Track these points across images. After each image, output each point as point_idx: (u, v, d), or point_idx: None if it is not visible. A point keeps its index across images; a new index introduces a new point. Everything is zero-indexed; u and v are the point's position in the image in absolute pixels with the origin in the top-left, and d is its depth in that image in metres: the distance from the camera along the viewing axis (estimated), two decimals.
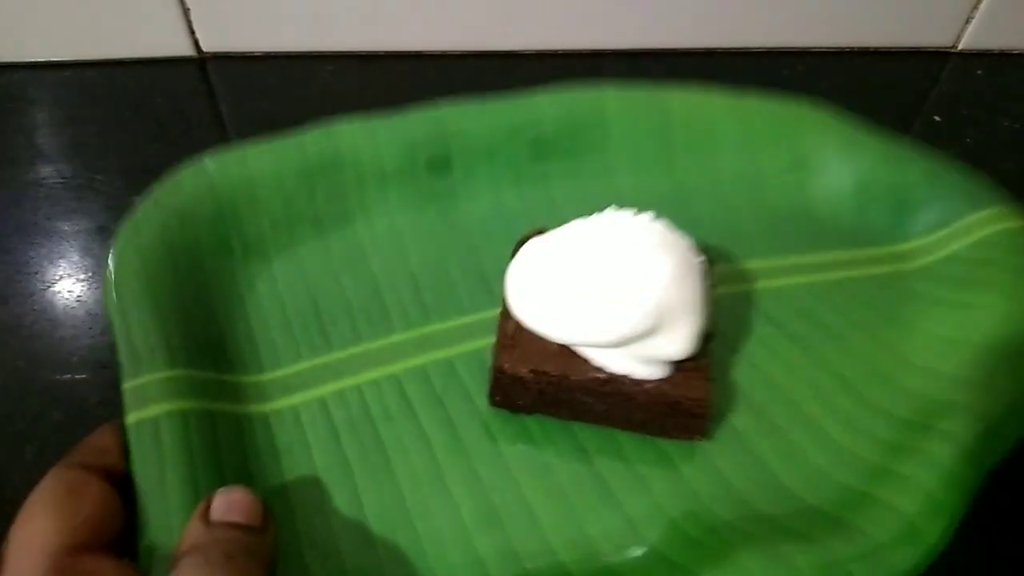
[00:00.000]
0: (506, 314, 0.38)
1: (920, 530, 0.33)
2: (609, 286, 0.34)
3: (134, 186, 0.42)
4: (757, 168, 0.48)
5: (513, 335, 0.37)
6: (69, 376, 0.39)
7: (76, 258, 0.41)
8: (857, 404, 0.39)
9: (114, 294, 0.37)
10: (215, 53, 0.56)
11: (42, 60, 0.49)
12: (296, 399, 0.38)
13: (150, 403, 0.34)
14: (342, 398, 0.38)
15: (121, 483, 0.32)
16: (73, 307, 0.40)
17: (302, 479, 0.36)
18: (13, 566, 0.28)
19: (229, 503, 0.30)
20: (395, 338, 0.41)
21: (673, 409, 0.36)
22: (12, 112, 0.48)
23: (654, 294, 0.34)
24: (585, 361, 0.36)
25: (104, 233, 0.43)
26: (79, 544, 0.28)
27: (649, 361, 0.36)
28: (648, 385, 0.36)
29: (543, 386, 0.37)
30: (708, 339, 0.38)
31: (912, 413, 0.39)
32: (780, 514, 0.35)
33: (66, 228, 0.42)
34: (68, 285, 0.41)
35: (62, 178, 0.44)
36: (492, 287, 0.43)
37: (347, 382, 0.39)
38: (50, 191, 0.43)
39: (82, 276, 0.41)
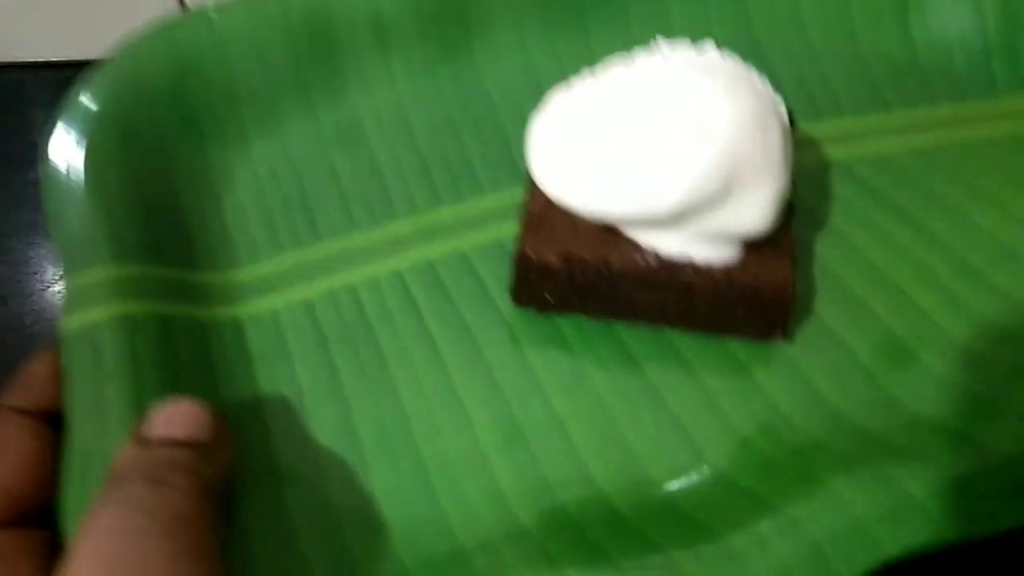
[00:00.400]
0: (532, 188, 0.30)
1: None
2: (660, 140, 0.26)
3: None
4: (848, 5, 0.39)
5: (540, 214, 0.29)
6: None
7: None
8: (982, 292, 0.31)
9: (50, 177, 0.31)
10: None
11: (42, 60, 0.49)
12: (277, 300, 0.31)
13: (89, 306, 0.28)
14: (333, 299, 0.31)
15: (59, 422, 0.26)
16: None
17: (281, 396, 0.29)
18: None
19: (168, 416, 0.24)
20: (398, 226, 0.33)
21: (748, 299, 0.28)
22: (12, 112, 0.48)
23: (720, 146, 0.26)
24: (632, 243, 0.29)
25: None
26: None
27: (715, 239, 0.28)
28: (714, 271, 0.28)
29: (578, 276, 0.29)
30: (790, 212, 0.29)
31: None
32: (882, 428, 0.28)
33: None
34: None
35: None
36: (517, 162, 0.35)
37: (339, 279, 0.32)
38: None
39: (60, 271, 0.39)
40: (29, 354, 0.38)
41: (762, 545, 0.24)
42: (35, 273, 0.40)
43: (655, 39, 0.30)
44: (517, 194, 0.33)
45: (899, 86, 0.37)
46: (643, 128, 0.26)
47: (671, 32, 0.38)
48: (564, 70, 0.37)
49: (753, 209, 0.27)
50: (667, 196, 0.26)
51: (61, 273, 0.39)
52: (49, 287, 0.40)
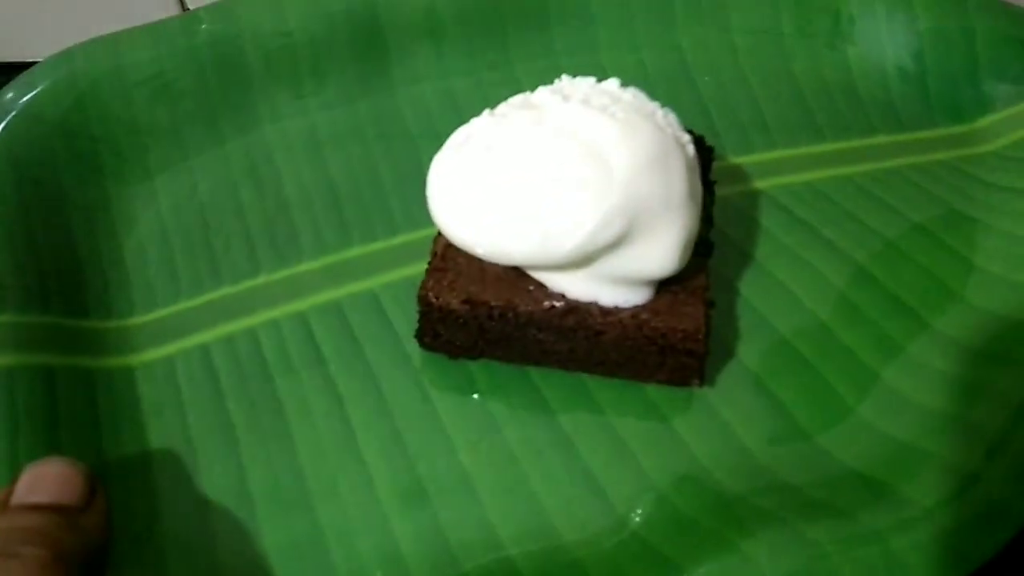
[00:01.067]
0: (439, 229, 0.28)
1: (993, 494, 0.24)
2: (558, 183, 0.25)
3: None
4: (780, 29, 0.38)
5: (444, 256, 0.28)
6: None
7: None
8: (912, 330, 0.30)
9: None
10: None
11: (42, 60, 0.45)
12: (171, 348, 0.30)
13: None
14: (230, 344, 0.30)
15: None
16: None
17: (170, 451, 0.27)
18: None
19: (34, 479, 0.23)
20: (305, 267, 0.32)
21: (658, 345, 0.27)
22: None
23: (620, 189, 0.24)
24: (538, 286, 0.27)
25: None
26: None
27: (621, 282, 0.26)
28: (623, 314, 0.27)
29: (483, 321, 0.27)
30: (705, 251, 0.28)
31: (984, 340, 0.29)
32: (804, 482, 0.26)
33: None
34: None
35: None
36: None
37: (238, 324, 0.30)
38: None
39: None
40: None
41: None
42: None
43: (582, 70, 0.29)
44: (433, 233, 0.32)
45: (834, 116, 0.36)
46: (541, 170, 0.25)
47: (598, 59, 0.37)
48: (488, 102, 0.35)
49: (658, 250, 0.25)
50: (567, 241, 0.25)
51: None
52: None
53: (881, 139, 0.36)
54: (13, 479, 0.23)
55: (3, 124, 0.32)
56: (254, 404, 0.28)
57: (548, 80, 0.30)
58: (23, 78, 0.33)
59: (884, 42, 0.38)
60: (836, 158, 0.35)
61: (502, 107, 0.27)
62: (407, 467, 0.27)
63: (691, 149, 0.26)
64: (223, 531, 0.26)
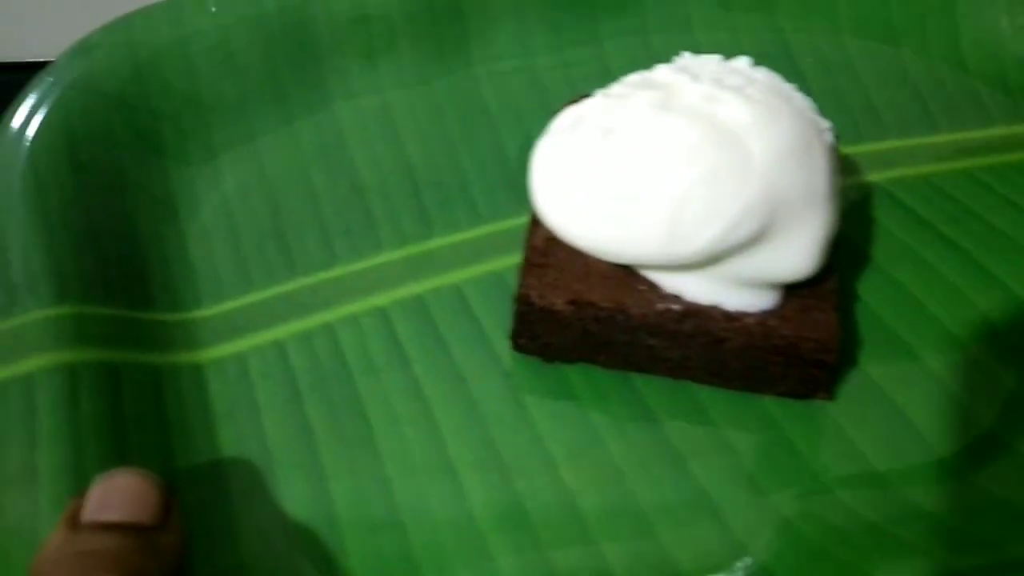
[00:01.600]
0: (535, 220, 0.26)
1: None
2: (691, 170, 0.22)
3: None
4: (889, 10, 0.35)
5: (544, 250, 0.26)
6: None
7: None
8: None
9: None
10: None
11: (42, 60, 0.44)
12: (243, 343, 0.27)
13: (23, 354, 0.24)
14: (307, 342, 0.27)
15: None
16: None
17: (246, 460, 0.25)
18: None
19: (106, 495, 0.21)
20: (383, 258, 0.29)
21: (786, 355, 0.24)
22: None
23: (760, 181, 0.22)
24: (650, 286, 0.25)
25: None
26: None
27: (749, 284, 0.24)
28: (748, 320, 0.24)
29: (588, 323, 0.25)
30: (835, 252, 0.25)
31: None
32: (939, 508, 0.24)
33: None
34: None
35: None
36: (520, 185, 0.30)
37: (315, 319, 0.28)
38: None
39: None
40: None
41: None
42: None
43: (675, 50, 0.26)
44: (519, 222, 0.29)
45: (948, 104, 0.33)
46: (669, 157, 0.22)
47: (693, 40, 0.34)
48: (573, 83, 0.33)
49: (796, 251, 0.23)
50: (698, 237, 0.22)
51: None
52: None
53: (1000, 130, 0.33)
54: (80, 490, 0.21)
55: (57, 96, 0.29)
56: (334, 407, 0.26)
57: (638, 60, 0.28)
58: (77, 47, 0.30)
59: (1001, 26, 0.35)
60: (951, 150, 0.32)
61: (617, 87, 0.25)
62: (504, 483, 0.25)
63: (830, 137, 0.24)
64: (307, 551, 0.24)
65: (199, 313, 0.28)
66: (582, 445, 0.26)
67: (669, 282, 0.24)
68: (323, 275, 0.29)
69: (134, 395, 0.25)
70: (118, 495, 0.21)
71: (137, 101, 0.30)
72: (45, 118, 0.28)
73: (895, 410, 0.26)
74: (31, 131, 0.28)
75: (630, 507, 0.24)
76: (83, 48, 0.30)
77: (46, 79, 0.29)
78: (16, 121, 0.28)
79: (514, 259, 0.28)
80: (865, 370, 0.27)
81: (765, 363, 0.25)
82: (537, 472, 0.25)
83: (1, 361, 0.24)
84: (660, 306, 0.24)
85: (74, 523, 0.20)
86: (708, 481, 0.25)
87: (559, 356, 0.27)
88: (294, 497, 0.24)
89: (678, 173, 0.22)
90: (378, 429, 0.26)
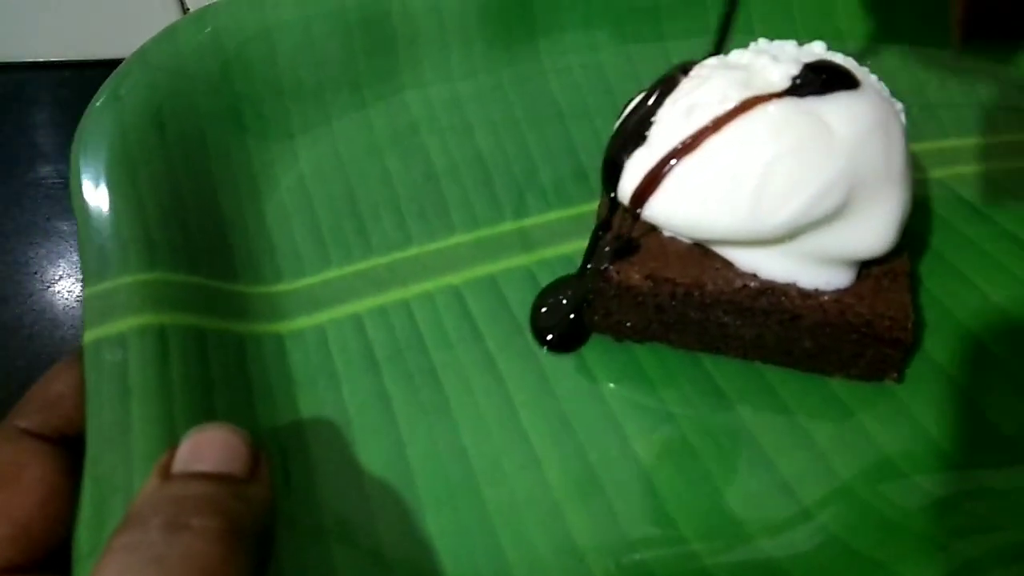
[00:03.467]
0: (608, 201, 0.27)
1: None
2: (775, 146, 0.23)
3: None
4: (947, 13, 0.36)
5: (620, 229, 0.26)
6: None
7: (76, 258, 0.41)
8: None
9: (79, 175, 0.28)
10: None
11: (42, 60, 0.49)
12: (322, 316, 0.28)
13: (116, 315, 0.25)
14: (383, 316, 0.28)
15: (80, 449, 0.23)
16: (73, 307, 0.40)
17: (326, 423, 0.26)
18: None
19: (197, 445, 0.21)
20: (456, 239, 0.30)
21: (860, 333, 0.25)
22: (12, 112, 0.48)
23: (842, 152, 0.23)
24: (725, 264, 0.25)
25: None
26: (3, 565, 0.20)
27: (826, 261, 0.24)
28: (824, 298, 0.25)
29: (664, 300, 0.26)
30: (904, 236, 0.26)
31: None
32: (1011, 486, 0.24)
33: (66, 228, 0.42)
34: (68, 285, 0.40)
35: (62, 178, 0.44)
36: (587, 174, 0.32)
37: (391, 295, 0.29)
38: (50, 191, 0.44)
39: (82, 276, 0.38)
40: (29, 354, 0.37)
41: None
42: (35, 273, 0.40)
43: (734, 42, 0.27)
44: (587, 209, 0.30)
45: (1007, 107, 0.34)
46: (751, 134, 0.23)
47: (751, 32, 0.35)
48: (638, 78, 0.34)
49: (873, 227, 0.23)
50: (780, 211, 0.23)
51: (61, 273, 0.39)
52: (49, 287, 0.40)
53: None
54: (171, 444, 0.22)
55: (146, 77, 0.30)
56: (411, 377, 0.27)
57: (700, 58, 0.28)
58: (166, 32, 0.31)
59: None
60: (1011, 149, 0.33)
61: (697, 69, 0.26)
62: (577, 453, 0.25)
63: (903, 118, 0.24)
64: (385, 509, 0.24)
65: (280, 287, 0.29)
66: (654, 422, 0.26)
67: (745, 260, 0.25)
68: (398, 255, 0.30)
69: (220, 359, 0.26)
70: (209, 447, 0.21)
71: (221, 85, 0.31)
72: (134, 97, 0.29)
73: (961, 394, 0.26)
74: (122, 109, 0.29)
75: (702, 480, 0.25)
76: (171, 33, 0.31)
77: (136, 61, 0.30)
78: (108, 99, 0.29)
79: (582, 243, 0.29)
80: (930, 355, 0.27)
81: (839, 342, 0.25)
82: (610, 445, 0.25)
83: (95, 322, 0.25)
84: (737, 283, 0.25)
85: (166, 473, 0.21)
86: (778, 458, 0.25)
87: (631, 334, 0.27)
88: (372, 461, 0.25)
89: (761, 149, 0.23)
90: (453, 399, 0.26)
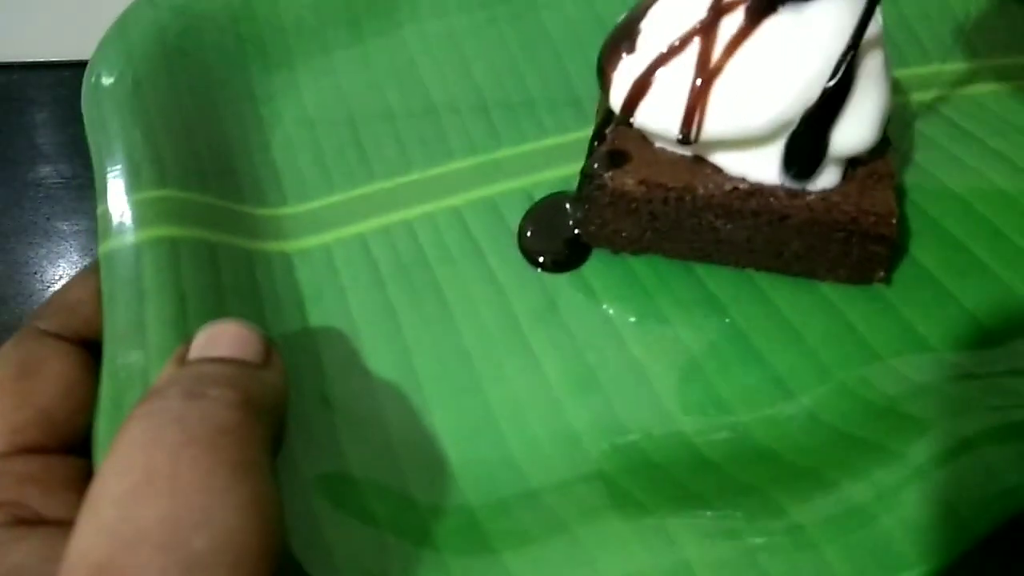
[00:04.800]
0: (604, 112, 0.28)
1: None
2: (751, 46, 0.24)
3: None
4: None
5: (615, 138, 0.27)
6: None
7: (76, 258, 0.41)
8: None
9: (91, 101, 0.29)
10: None
11: (42, 60, 0.49)
12: (328, 236, 0.29)
13: (130, 228, 0.26)
14: (387, 235, 0.29)
15: (99, 351, 0.24)
16: None
17: (335, 332, 0.27)
18: None
19: (211, 336, 0.22)
20: (456, 165, 0.31)
21: (846, 231, 0.26)
22: (12, 112, 0.47)
23: (823, 50, 0.24)
24: (717, 170, 0.26)
25: None
26: (26, 445, 0.22)
27: None
28: (810, 197, 0.26)
29: (657, 207, 0.27)
30: (885, 144, 0.27)
31: None
32: (999, 370, 0.25)
33: (66, 228, 0.42)
34: None
35: (62, 178, 0.44)
36: (582, 102, 0.32)
37: (394, 216, 0.30)
38: (50, 191, 0.44)
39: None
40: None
41: (889, 497, 0.21)
42: (35, 273, 0.40)
43: None
44: (583, 135, 0.31)
45: (990, 32, 0.35)
46: (733, 34, 0.24)
47: None
48: (628, 7, 0.35)
49: (856, 122, 0.24)
50: (766, 110, 0.24)
51: (61, 273, 0.39)
52: (49, 287, 0.39)
53: None
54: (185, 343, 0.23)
55: (153, 16, 0.31)
56: (415, 291, 0.28)
57: None
58: None
59: None
60: (995, 74, 0.34)
61: None
62: (576, 355, 0.26)
63: (880, 21, 0.25)
64: (393, 408, 0.25)
65: (285, 210, 0.30)
66: (650, 326, 0.27)
67: (734, 165, 0.26)
68: (400, 179, 0.31)
69: (230, 271, 0.27)
70: (224, 336, 0.22)
71: (225, 23, 0.32)
72: (142, 34, 0.31)
73: (948, 295, 0.27)
74: (130, 43, 0.30)
75: (696, 376, 0.26)
76: None
77: (144, 1, 0.31)
78: (117, 33, 0.30)
79: (576, 167, 0.29)
80: (917, 259, 0.28)
81: (826, 241, 0.26)
82: (607, 347, 0.26)
83: (109, 234, 0.26)
84: (727, 186, 0.26)
85: (183, 360, 0.22)
86: (771, 356, 0.26)
87: (626, 246, 0.28)
88: (380, 366, 0.26)
89: (746, 48, 0.24)
90: (457, 310, 0.27)
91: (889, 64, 0.25)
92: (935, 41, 0.35)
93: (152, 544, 0.17)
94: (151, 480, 0.18)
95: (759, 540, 0.21)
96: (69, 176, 0.44)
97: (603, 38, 0.33)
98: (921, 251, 0.28)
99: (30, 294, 0.39)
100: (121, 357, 0.23)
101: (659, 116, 0.25)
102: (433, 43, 0.34)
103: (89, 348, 0.24)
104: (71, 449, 0.22)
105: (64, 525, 0.21)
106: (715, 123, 0.25)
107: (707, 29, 0.24)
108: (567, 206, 0.29)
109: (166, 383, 0.20)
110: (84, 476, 0.22)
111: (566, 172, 0.31)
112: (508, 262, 0.28)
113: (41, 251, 0.41)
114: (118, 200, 0.26)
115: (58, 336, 0.24)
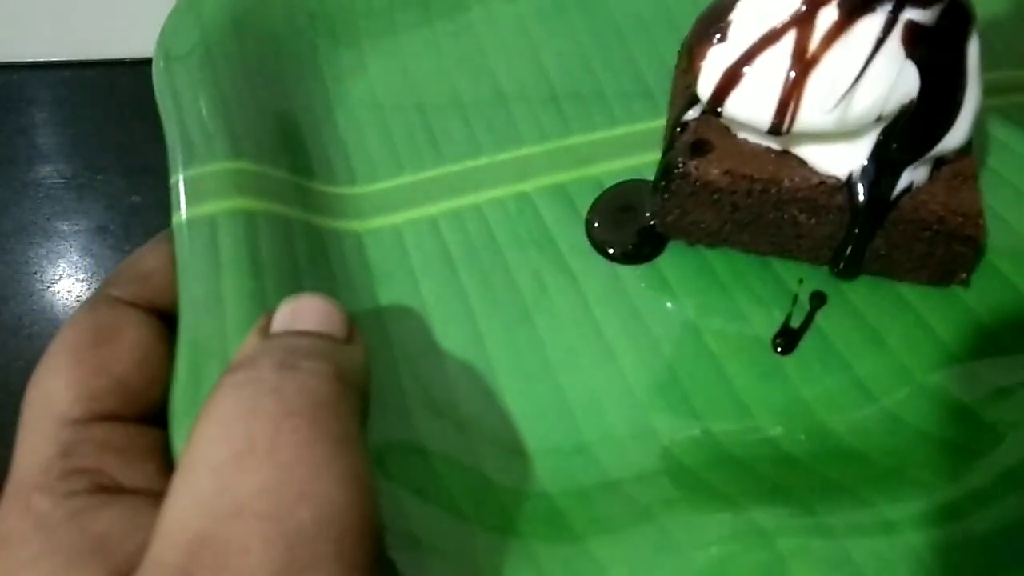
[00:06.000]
0: (686, 99, 0.27)
1: None
2: (852, 41, 0.24)
3: (134, 186, 0.43)
4: None
5: (698, 127, 0.27)
6: None
7: (76, 258, 0.41)
8: None
9: (162, 72, 0.28)
10: None
11: (42, 60, 0.49)
12: (398, 217, 0.29)
13: (205, 199, 0.25)
14: (458, 218, 0.29)
15: (173, 321, 0.23)
16: (73, 307, 0.40)
17: (406, 311, 0.26)
18: (24, 438, 0.21)
19: (295, 309, 0.21)
20: (526, 151, 0.31)
21: (932, 231, 0.25)
22: (12, 112, 0.47)
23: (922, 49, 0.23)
24: (802, 163, 0.26)
25: (104, 233, 0.42)
26: (104, 412, 0.21)
27: None
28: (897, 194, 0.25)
29: (740, 198, 0.26)
30: (969, 145, 0.26)
31: None
32: None
33: (66, 228, 0.42)
34: (68, 285, 0.40)
35: (62, 178, 0.44)
36: (653, 93, 0.32)
37: (464, 200, 0.29)
38: (50, 191, 0.44)
39: (82, 276, 0.41)
40: (29, 354, 0.37)
41: (984, 501, 0.21)
42: (35, 273, 0.40)
43: None
44: (654, 125, 0.31)
45: None
46: (832, 29, 0.24)
47: None
48: (697, 4, 0.34)
49: (952, 120, 0.24)
50: (861, 103, 0.24)
51: (61, 273, 0.40)
52: (49, 287, 0.40)
53: None
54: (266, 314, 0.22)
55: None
56: (486, 275, 0.27)
57: None
58: None
59: None
60: None
61: None
62: (651, 347, 0.26)
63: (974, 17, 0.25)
64: (465, 390, 0.25)
65: (355, 190, 0.29)
66: (726, 320, 0.27)
67: (821, 159, 0.25)
68: (470, 163, 0.30)
69: (304, 247, 0.26)
70: (308, 310, 0.21)
71: (297, 3, 0.32)
72: (216, 5, 0.30)
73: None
74: (204, 15, 0.30)
75: (775, 372, 0.25)
76: None
77: None
78: (190, 7, 0.30)
79: (649, 157, 0.29)
80: (993, 263, 0.28)
81: (911, 240, 0.26)
82: (686, 342, 0.26)
83: (185, 204, 0.25)
84: (814, 180, 0.25)
85: (266, 332, 0.21)
86: (849, 354, 0.26)
87: (703, 237, 0.28)
88: (452, 347, 0.26)
89: (840, 45, 0.23)
90: (528, 296, 0.27)
91: (982, 63, 0.25)
92: (1006, 46, 0.34)
93: (254, 515, 0.17)
94: (251, 450, 0.17)
95: (850, 536, 0.21)
96: (69, 176, 0.44)
97: (671, 28, 0.33)
98: (997, 255, 0.28)
99: (30, 294, 0.40)
100: (198, 328, 0.23)
101: (751, 106, 0.25)
102: (501, 28, 0.33)
103: (162, 317, 0.23)
104: (145, 419, 0.22)
105: (144, 494, 0.20)
106: (808, 115, 0.24)
107: (802, 21, 0.24)
108: (641, 195, 0.29)
109: (256, 353, 0.20)
110: (161, 446, 0.22)
111: (636, 162, 0.30)
112: (579, 250, 0.28)
113: (41, 251, 0.41)
114: (192, 170, 0.26)
115: (133, 304, 0.23)
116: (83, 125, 0.47)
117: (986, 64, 0.33)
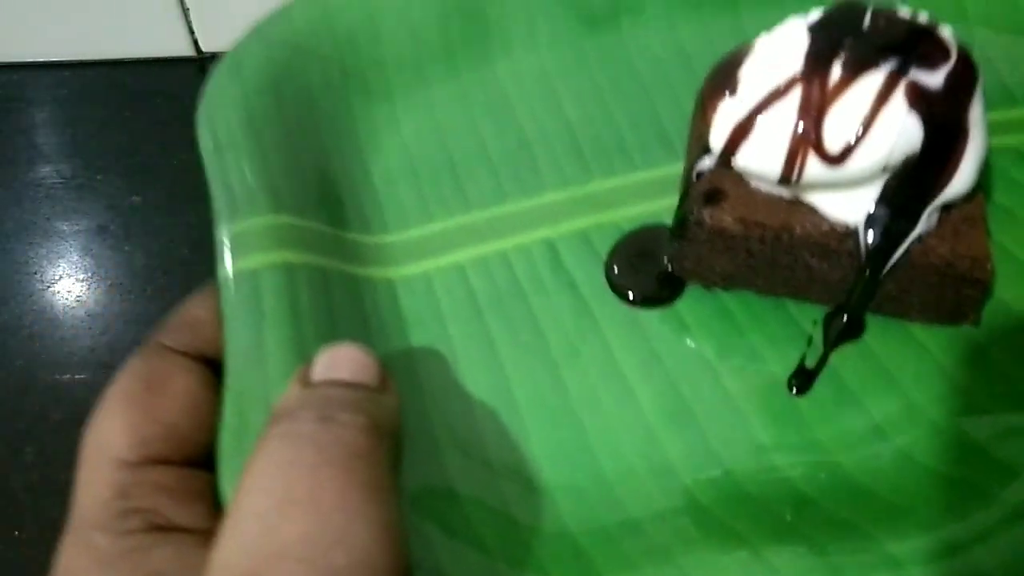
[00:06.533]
0: (700, 149, 0.28)
1: None
2: (859, 93, 0.25)
3: (134, 186, 0.43)
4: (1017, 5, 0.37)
5: (711, 178, 0.28)
6: (69, 376, 0.39)
7: (76, 258, 0.42)
8: None
9: (207, 132, 0.30)
10: (215, 53, 0.51)
11: (42, 60, 0.50)
12: (428, 264, 0.30)
13: (248, 253, 0.27)
14: (484, 265, 0.30)
15: (219, 368, 0.25)
16: (73, 307, 0.40)
17: (436, 356, 0.28)
18: (83, 479, 0.22)
19: (333, 359, 0.23)
20: (548, 197, 0.32)
21: (941, 274, 0.26)
22: (12, 112, 0.48)
23: (926, 104, 0.24)
24: (813, 211, 0.27)
25: (104, 233, 0.42)
26: (156, 456, 0.23)
27: None
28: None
29: (753, 244, 0.27)
30: (978, 187, 0.27)
31: None
32: None
33: (66, 228, 0.43)
34: (68, 285, 0.41)
35: (62, 178, 0.45)
36: (671, 140, 0.33)
37: (490, 247, 0.31)
38: (50, 191, 0.44)
39: (82, 276, 0.41)
40: (29, 354, 0.38)
41: (990, 538, 0.22)
42: (35, 273, 0.41)
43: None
44: (673, 170, 0.32)
45: None
46: (837, 84, 0.25)
47: None
48: (714, 49, 0.35)
49: (960, 167, 0.25)
50: (866, 156, 0.25)
51: (61, 273, 0.40)
52: (49, 287, 0.40)
53: None
54: (303, 363, 0.24)
55: (263, 50, 0.33)
56: (511, 321, 0.29)
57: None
58: (281, 13, 0.34)
59: None
60: None
61: (778, 28, 0.27)
62: (670, 387, 0.27)
63: (979, 71, 0.26)
64: (492, 430, 0.26)
65: (388, 238, 0.31)
66: (743, 360, 0.28)
67: (831, 206, 0.27)
68: (495, 210, 0.32)
69: (341, 296, 0.28)
70: (344, 359, 0.23)
71: (331, 58, 0.34)
72: (254, 68, 0.32)
73: None
74: (243, 78, 0.32)
75: (790, 412, 0.26)
76: (286, 13, 0.34)
77: (255, 37, 0.33)
78: (230, 69, 0.32)
79: (667, 202, 0.31)
80: (1007, 303, 0.28)
81: (921, 284, 0.27)
82: (701, 380, 0.27)
83: (229, 258, 0.27)
84: (824, 226, 0.26)
85: (307, 381, 0.23)
86: (863, 393, 0.27)
87: (719, 281, 0.29)
88: (479, 391, 0.27)
89: (848, 97, 0.25)
90: (552, 341, 0.28)
91: (984, 105, 0.26)
92: (1020, 85, 0.35)
93: (294, 558, 0.18)
94: (292, 499, 0.19)
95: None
96: (69, 176, 0.45)
97: (690, 75, 0.34)
98: (1009, 293, 0.29)
99: (30, 294, 0.40)
100: (243, 377, 0.24)
101: (761, 159, 0.26)
102: (526, 79, 0.35)
103: (209, 364, 0.25)
104: (194, 462, 0.24)
105: (194, 533, 0.22)
106: (815, 167, 0.25)
107: (808, 77, 0.25)
108: (659, 240, 0.30)
109: (296, 405, 0.21)
110: (210, 489, 0.23)
111: (656, 207, 0.31)
112: (600, 294, 0.29)
113: (41, 251, 0.42)
114: (236, 225, 0.28)
115: (182, 353, 0.25)
116: (83, 125, 0.48)
117: (998, 102, 0.34)
